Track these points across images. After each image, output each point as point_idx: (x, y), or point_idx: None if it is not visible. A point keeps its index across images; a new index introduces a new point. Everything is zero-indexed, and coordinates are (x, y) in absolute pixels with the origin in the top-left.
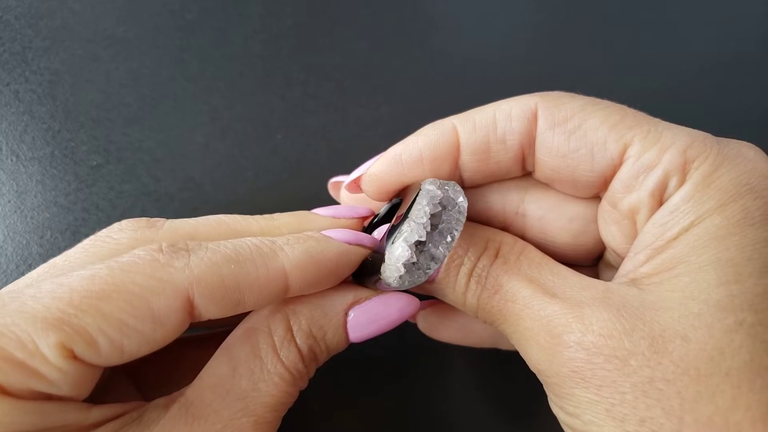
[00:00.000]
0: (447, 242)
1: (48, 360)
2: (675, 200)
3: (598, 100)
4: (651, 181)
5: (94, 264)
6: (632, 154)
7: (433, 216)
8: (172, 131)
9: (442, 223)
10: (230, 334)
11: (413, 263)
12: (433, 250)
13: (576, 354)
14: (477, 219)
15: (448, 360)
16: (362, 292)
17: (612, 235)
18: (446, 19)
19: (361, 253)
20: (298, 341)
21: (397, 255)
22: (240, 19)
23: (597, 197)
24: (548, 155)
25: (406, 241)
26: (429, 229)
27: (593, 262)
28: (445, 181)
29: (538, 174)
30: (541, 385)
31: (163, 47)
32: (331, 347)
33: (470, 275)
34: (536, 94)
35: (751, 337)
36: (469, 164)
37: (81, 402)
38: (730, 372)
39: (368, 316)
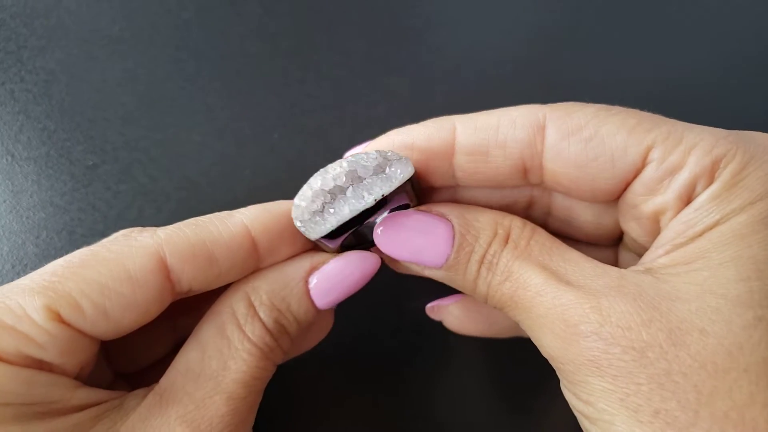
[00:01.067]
0: (353, 202)
1: (36, 323)
2: (701, 199)
3: (610, 107)
4: (678, 184)
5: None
6: (655, 157)
7: (359, 178)
8: (168, 130)
9: (363, 182)
10: (199, 322)
11: (317, 212)
12: (338, 205)
13: (593, 344)
14: (505, 195)
15: (443, 357)
16: (319, 257)
17: (632, 228)
18: (444, 17)
19: None
20: (262, 316)
21: (299, 194)
22: (237, 18)
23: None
24: (565, 166)
25: (309, 185)
26: (342, 182)
27: (614, 242)
28: (398, 153)
29: (550, 185)
30: (539, 382)
31: (159, 46)
32: (299, 317)
33: (481, 262)
34: (544, 105)
35: None
36: (464, 164)
37: (70, 379)
38: (748, 368)
39: (330, 281)
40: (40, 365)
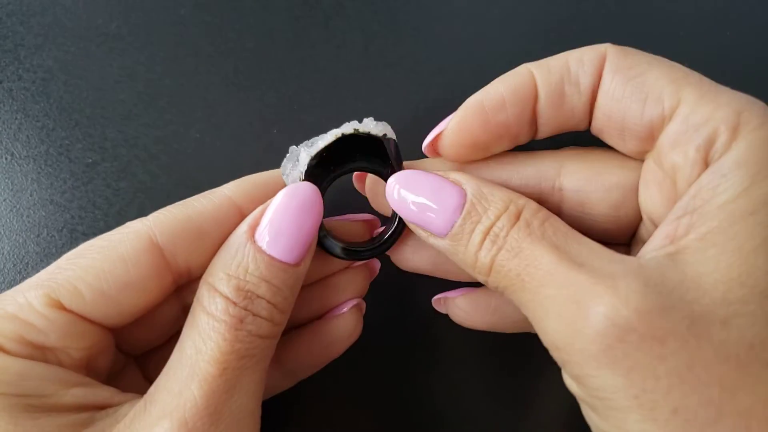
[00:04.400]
0: (321, 141)
1: (36, 309)
2: (726, 163)
3: (667, 60)
4: (699, 136)
5: None
6: (684, 110)
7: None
8: (167, 127)
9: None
10: None
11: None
12: (312, 148)
13: (607, 329)
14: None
15: (447, 351)
16: (255, 213)
17: (651, 200)
18: (441, 9)
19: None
20: (221, 288)
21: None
22: (233, 14)
23: (639, 161)
24: (603, 97)
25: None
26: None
27: (628, 239)
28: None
29: (593, 122)
30: (538, 377)
31: (156, 43)
32: (264, 275)
33: (486, 233)
34: (607, 44)
35: None
36: (545, 110)
37: (68, 373)
38: None
39: (274, 225)
40: (43, 352)
